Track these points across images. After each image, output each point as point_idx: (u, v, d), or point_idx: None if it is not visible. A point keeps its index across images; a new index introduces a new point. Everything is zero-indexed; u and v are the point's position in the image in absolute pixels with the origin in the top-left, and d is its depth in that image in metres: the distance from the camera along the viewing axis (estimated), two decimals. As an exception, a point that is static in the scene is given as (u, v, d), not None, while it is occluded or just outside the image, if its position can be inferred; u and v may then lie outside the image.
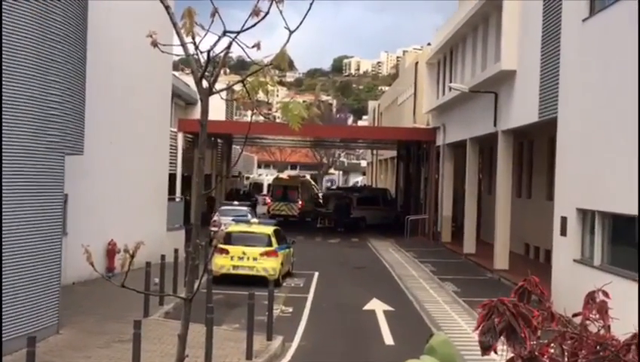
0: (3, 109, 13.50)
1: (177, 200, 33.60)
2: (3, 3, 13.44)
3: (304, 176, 65.18)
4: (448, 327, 18.13)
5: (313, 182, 69.50)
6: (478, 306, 3.00)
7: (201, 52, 4.22)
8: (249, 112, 4.82)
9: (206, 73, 4.25)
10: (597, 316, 3.29)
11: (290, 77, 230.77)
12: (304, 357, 15.17)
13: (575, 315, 3.34)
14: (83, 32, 16.37)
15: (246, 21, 4.10)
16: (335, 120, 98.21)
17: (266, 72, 4.41)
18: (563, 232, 20.29)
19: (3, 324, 13.47)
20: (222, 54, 4.22)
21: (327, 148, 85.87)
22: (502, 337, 2.92)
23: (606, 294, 3.32)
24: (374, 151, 75.91)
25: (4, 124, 13.55)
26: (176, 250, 21.83)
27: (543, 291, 3.27)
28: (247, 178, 78.62)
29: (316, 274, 26.75)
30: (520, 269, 26.08)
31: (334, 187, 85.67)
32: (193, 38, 4.16)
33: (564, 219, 20.27)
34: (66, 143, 15.48)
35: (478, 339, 2.94)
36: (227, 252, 23.41)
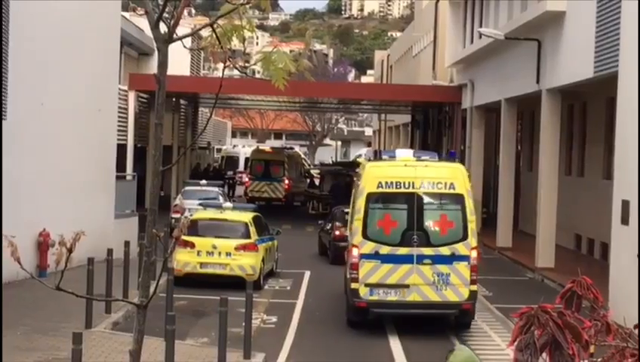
0: None
1: (128, 178, 33.53)
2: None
3: (291, 148, 65.15)
4: (476, 341, 18.20)
5: (303, 156, 69.52)
6: (514, 315, 3.02)
7: (158, -13, 4.20)
8: (220, 65, 4.80)
9: (164, 14, 4.23)
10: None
11: (273, 19, 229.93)
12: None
13: (638, 326, 3.36)
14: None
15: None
16: (332, 75, 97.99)
17: (241, 12, 4.38)
18: (625, 220, 20.34)
19: None
20: (185, -10, 4.20)
21: (321, 112, 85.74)
22: (544, 355, 2.94)
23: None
24: (382, 116, 75.85)
25: None
26: (126, 243, 21.83)
27: (596, 295, 3.28)
28: (219, 150, 78.63)
29: (307, 273, 26.79)
30: (569, 268, 26.19)
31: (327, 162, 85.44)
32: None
33: (626, 204, 20.31)
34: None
35: (514, 357, 2.96)
36: (193, 245, 23.40)
